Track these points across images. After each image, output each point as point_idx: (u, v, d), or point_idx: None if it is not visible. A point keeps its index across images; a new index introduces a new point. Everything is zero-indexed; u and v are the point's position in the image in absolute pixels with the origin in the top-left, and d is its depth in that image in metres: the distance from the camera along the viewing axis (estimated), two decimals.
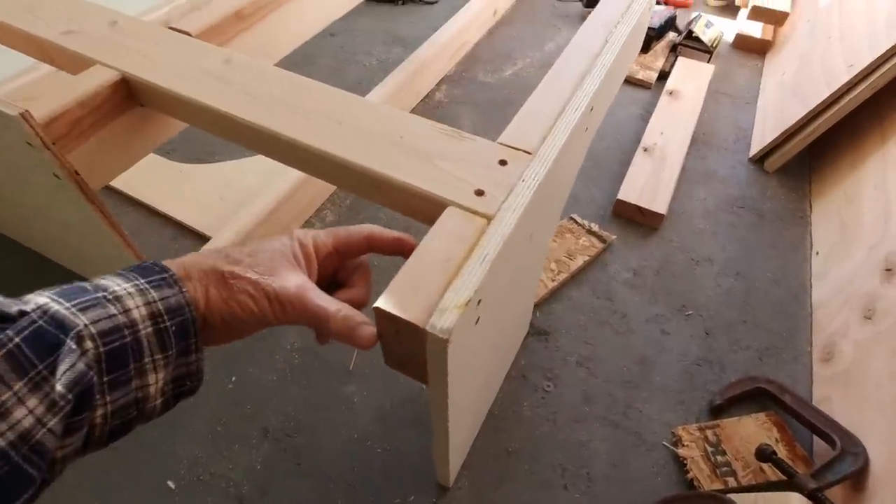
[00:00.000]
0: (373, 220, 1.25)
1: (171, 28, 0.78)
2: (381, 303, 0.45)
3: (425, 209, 0.56)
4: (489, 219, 0.52)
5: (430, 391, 0.54)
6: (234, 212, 1.20)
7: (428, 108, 1.57)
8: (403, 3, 2.04)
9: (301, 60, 1.68)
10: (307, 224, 1.25)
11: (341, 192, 1.32)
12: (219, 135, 0.68)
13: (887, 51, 1.08)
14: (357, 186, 0.60)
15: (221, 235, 1.06)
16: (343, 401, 0.96)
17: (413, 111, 1.24)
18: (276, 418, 0.93)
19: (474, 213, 0.53)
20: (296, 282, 0.39)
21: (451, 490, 0.86)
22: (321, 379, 0.98)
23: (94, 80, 0.68)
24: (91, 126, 0.69)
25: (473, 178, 0.56)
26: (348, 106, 0.65)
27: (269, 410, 0.94)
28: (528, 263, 0.75)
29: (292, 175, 1.19)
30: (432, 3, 2.07)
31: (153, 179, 1.30)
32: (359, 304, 0.45)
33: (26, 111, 0.61)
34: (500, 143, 0.60)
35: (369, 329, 0.44)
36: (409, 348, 0.49)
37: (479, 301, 0.48)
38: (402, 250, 0.46)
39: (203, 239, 1.18)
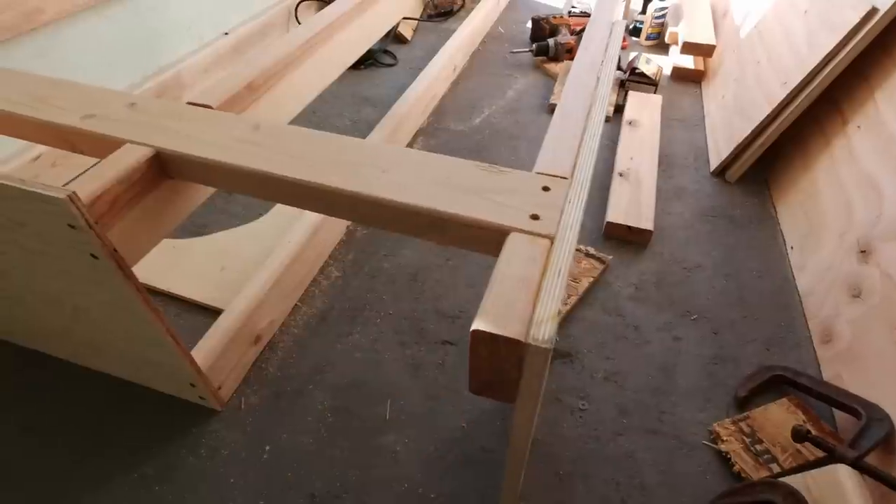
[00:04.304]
0: (377, 272, 1.27)
1: (191, 103, 0.81)
2: (478, 325, 0.48)
3: (487, 239, 0.60)
4: (552, 238, 0.57)
5: (519, 408, 0.55)
6: (238, 280, 1.19)
7: None
8: (365, 67, 2.15)
9: None
10: (314, 283, 1.25)
11: (342, 248, 1.33)
12: (261, 196, 0.71)
13: (815, 67, 1.25)
14: (412, 228, 0.64)
15: (235, 307, 1.05)
16: (386, 452, 0.94)
17: None
18: (321, 482, 0.90)
19: (536, 235, 0.57)
20: None
21: None
22: (359, 434, 0.96)
23: (130, 158, 0.69)
24: (128, 203, 0.69)
25: (525, 206, 0.61)
26: (386, 155, 0.69)
27: (311, 475, 0.91)
28: None
29: (294, 236, 1.20)
30: (391, 66, 2.19)
31: (147, 258, 1.27)
32: None
33: (73, 193, 0.61)
34: (538, 173, 0.66)
35: None
36: (503, 367, 0.51)
37: (559, 312, 0.52)
38: None
39: (210, 311, 1.16)
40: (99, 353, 0.98)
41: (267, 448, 0.94)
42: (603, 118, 0.76)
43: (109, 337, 0.90)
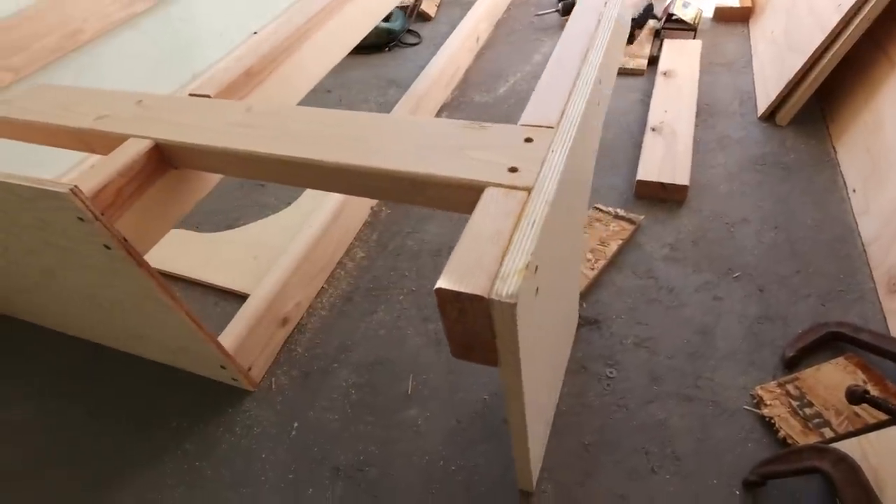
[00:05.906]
0: (401, 250, 1.27)
1: (192, 94, 0.84)
2: (442, 283, 0.46)
3: (465, 198, 0.57)
4: (529, 190, 0.53)
5: (503, 371, 0.53)
6: (270, 268, 1.23)
7: None
8: (389, 49, 2.13)
9: None
10: (339, 265, 1.27)
11: (367, 230, 1.34)
12: (254, 177, 0.72)
13: None
14: (397, 193, 0.62)
15: (260, 292, 1.09)
16: (408, 426, 0.94)
17: None
18: (345, 456, 0.92)
19: (513, 188, 0.54)
20: None
21: (536, 494, 0.83)
22: (382, 409, 0.97)
23: (131, 150, 0.72)
24: (133, 193, 0.72)
25: (504, 159, 0.57)
26: (369, 124, 0.68)
27: (336, 449, 0.93)
28: (571, 242, 0.75)
29: (316, 221, 1.22)
30: (416, 45, 2.16)
31: (186, 253, 1.35)
32: None
33: (75, 187, 0.64)
34: (523, 125, 0.62)
35: None
36: (474, 326, 0.49)
37: (537, 268, 0.49)
38: None
39: (243, 298, 1.21)
40: (140, 341, 1.05)
41: (295, 425, 0.97)
42: (599, 61, 0.70)
43: (143, 325, 0.96)
